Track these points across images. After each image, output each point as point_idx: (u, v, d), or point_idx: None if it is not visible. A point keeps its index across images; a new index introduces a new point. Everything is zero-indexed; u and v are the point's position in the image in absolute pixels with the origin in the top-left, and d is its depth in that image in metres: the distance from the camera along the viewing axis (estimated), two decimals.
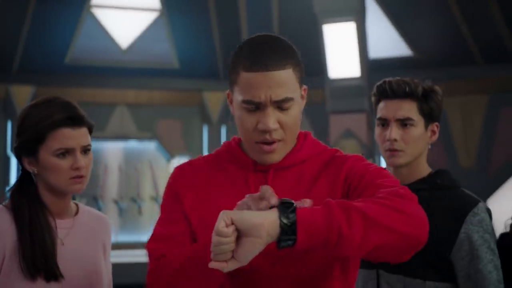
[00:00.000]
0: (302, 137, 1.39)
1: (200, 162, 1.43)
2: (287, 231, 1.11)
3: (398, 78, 1.75)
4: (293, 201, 1.14)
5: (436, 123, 1.76)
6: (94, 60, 8.29)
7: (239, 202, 1.20)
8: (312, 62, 7.85)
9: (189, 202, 1.37)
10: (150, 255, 1.36)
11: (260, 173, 1.35)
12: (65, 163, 1.56)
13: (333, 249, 1.13)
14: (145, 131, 8.40)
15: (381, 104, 1.74)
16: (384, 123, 1.73)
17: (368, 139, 7.39)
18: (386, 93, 1.73)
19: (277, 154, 1.32)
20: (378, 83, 1.78)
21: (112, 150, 8.40)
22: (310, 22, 7.46)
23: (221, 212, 1.12)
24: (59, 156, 1.56)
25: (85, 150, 1.59)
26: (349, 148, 7.74)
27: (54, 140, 1.56)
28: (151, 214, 8.27)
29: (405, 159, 1.71)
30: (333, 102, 7.40)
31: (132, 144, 8.46)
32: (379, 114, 1.75)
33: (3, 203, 1.63)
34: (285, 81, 1.28)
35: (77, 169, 1.57)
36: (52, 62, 8.10)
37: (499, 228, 2.06)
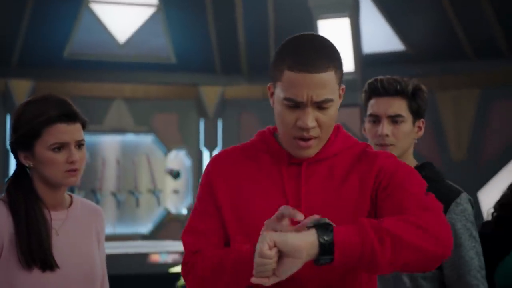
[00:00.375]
0: (335, 131, 1.42)
1: (236, 151, 1.46)
2: (326, 251, 1.18)
3: (388, 76, 1.82)
4: (330, 222, 1.20)
5: (422, 120, 1.83)
6: (92, 55, 8.27)
7: (266, 222, 1.26)
8: None
9: (222, 193, 1.40)
10: (186, 248, 1.41)
11: (294, 166, 1.37)
12: (60, 157, 1.61)
13: (366, 266, 1.21)
14: (142, 124, 8.40)
15: (372, 101, 1.81)
16: (376, 119, 1.80)
17: (362, 133, 7.40)
18: (378, 91, 1.79)
19: (312, 150, 1.36)
20: (370, 81, 1.85)
21: (109, 144, 8.40)
22: (305, 17, 7.46)
23: (264, 234, 1.18)
24: (54, 150, 1.61)
25: (79, 144, 1.64)
26: None
27: (50, 135, 1.61)
28: (148, 206, 8.28)
29: (395, 153, 1.73)
30: None
31: (129, 137, 8.45)
32: (370, 110, 1.81)
33: None
34: (326, 83, 1.32)
35: (72, 162, 1.62)
36: (50, 57, 8.08)
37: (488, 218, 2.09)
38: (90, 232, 1.74)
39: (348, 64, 7.22)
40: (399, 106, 1.78)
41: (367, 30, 7.56)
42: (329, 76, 1.32)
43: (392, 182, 1.33)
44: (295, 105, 1.32)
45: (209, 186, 1.42)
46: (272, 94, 1.39)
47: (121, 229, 8.04)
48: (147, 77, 8.39)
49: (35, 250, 1.59)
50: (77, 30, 8.09)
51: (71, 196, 1.75)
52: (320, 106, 1.32)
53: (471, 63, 7.83)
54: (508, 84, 7.53)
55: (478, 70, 7.75)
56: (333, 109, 1.36)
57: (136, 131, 8.42)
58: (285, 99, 1.32)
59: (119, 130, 8.33)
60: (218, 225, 1.40)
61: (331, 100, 1.34)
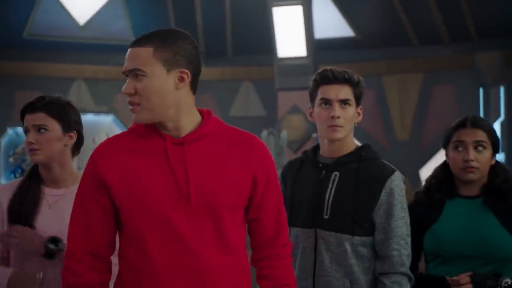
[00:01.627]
0: (206, 114, 1.56)
1: (118, 139, 1.56)
2: None
3: (334, 67, 1.98)
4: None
5: (360, 106, 2.00)
6: (52, 36, 8.05)
7: None
8: (263, 42, 7.84)
9: (111, 176, 1.49)
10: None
11: (177, 145, 1.50)
12: (27, 139, 1.91)
13: None
14: (102, 105, 8.25)
15: (323, 88, 1.95)
16: (327, 102, 1.94)
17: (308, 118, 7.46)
18: (329, 78, 1.94)
19: (137, 115, 1.52)
20: (319, 71, 1.99)
21: None
22: (260, 4, 7.43)
23: None
24: (26, 134, 1.92)
25: (39, 129, 1.89)
26: (296, 122, 7.81)
27: (25, 121, 1.93)
28: None
29: (343, 134, 1.94)
30: (281, 79, 7.44)
31: (90, 117, 8.30)
32: (322, 95, 1.95)
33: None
34: (138, 56, 1.50)
35: (29, 143, 1.89)
36: (10, 37, 7.81)
37: None
38: None
39: (301, 49, 7.25)
40: (347, 92, 1.94)
41: (319, 17, 7.59)
42: (144, 51, 1.47)
43: (265, 198, 1.56)
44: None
45: (96, 174, 1.51)
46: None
47: None
48: (107, 59, 8.21)
49: (16, 210, 1.87)
50: (37, 11, 7.84)
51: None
52: (133, 74, 1.49)
53: (414, 49, 7.98)
54: (448, 69, 7.72)
55: (421, 56, 7.91)
56: (147, 81, 1.47)
57: (96, 111, 8.27)
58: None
59: (80, 110, 8.15)
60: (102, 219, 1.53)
61: (140, 71, 1.47)
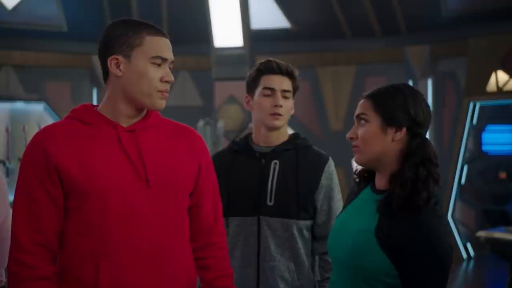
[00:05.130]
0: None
1: (62, 125, 1.53)
2: None
3: (277, 59, 2.03)
4: None
5: (293, 100, 2.08)
6: None
7: None
8: (200, 31, 7.78)
9: (65, 161, 1.46)
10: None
11: (127, 132, 1.53)
12: None
13: None
14: (32, 93, 7.95)
15: (267, 77, 2.01)
16: (271, 92, 2.00)
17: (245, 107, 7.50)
18: (273, 69, 2.01)
19: None
20: (263, 61, 2.05)
21: None
22: None
23: None
24: None
25: None
26: (233, 112, 7.83)
27: None
28: None
29: (283, 123, 2.02)
30: (217, 69, 7.41)
31: (19, 105, 7.98)
32: (265, 84, 2.01)
33: None
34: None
35: None
36: None
37: None
38: None
39: (237, 39, 7.25)
40: (288, 84, 2.02)
41: (255, 7, 7.61)
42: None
43: (205, 188, 1.63)
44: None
45: (46, 161, 1.47)
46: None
47: (11, 197, 7.63)
48: (37, 45, 7.92)
49: None
50: None
51: None
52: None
53: (348, 42, 8.17)
54: (380, 62, 7.95)
55: (354, 48, 8.10)
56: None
57: (26, 99, 7.96)
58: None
59: (8, 97, 7.84)
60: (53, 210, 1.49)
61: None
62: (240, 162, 2.02)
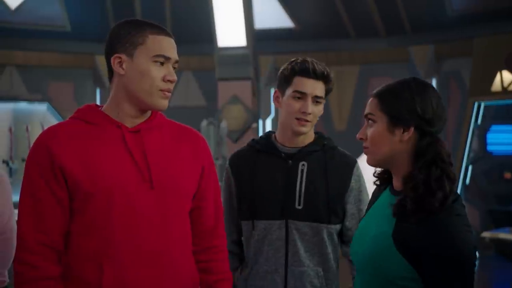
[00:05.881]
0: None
1: (66, 126, 1.52)
2: None
3: (314, 60, 1.93)
4: None
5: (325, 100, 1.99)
6: None
7: None
8: (203, 31, 7.77)
9: (69, 160, 1.45)
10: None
11: (132, 133, 1.51)
12: None
13: None
14: (35, 93, 7.96)
15: (299, 79, 1.90)
16: (302, 96, 1.90)
17: (253, 104, 7.50)
18: (308, 72, 1.90)
19: None
20: (299, 61, 1.93)
21: (1, 111, 7.90)
22: None
23: None
24: None
25: None
26: (236, 112, 7.81)
27: None
28: None
29: (308, 129, 1.94)
30: (221, 69, 7.41)
31: (23, 105, 7.99)
32: (297, 87, 1.90)
33: None
34: None
35: None
36: None
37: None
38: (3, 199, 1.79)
39: (241, 39, 7.24)
40: (322, 89, 1.92)
41: (259, 7, 7.60)
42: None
43: (206, 193, 1.61)
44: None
45: (51, 162, 1.46)
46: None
47: (15, 198, 7.64)
48: (41, 45, 7.93)
49: None
50: None
51: None
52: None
53: (352, 42, 8.15)
54: (383, 62, 7.93)
55: (358, 48, 8.09)
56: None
57: (29, 99, 7.97)
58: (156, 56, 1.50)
59: (12, 97, 7.86)
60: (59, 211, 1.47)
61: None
62: (265, 162, 1.93)
